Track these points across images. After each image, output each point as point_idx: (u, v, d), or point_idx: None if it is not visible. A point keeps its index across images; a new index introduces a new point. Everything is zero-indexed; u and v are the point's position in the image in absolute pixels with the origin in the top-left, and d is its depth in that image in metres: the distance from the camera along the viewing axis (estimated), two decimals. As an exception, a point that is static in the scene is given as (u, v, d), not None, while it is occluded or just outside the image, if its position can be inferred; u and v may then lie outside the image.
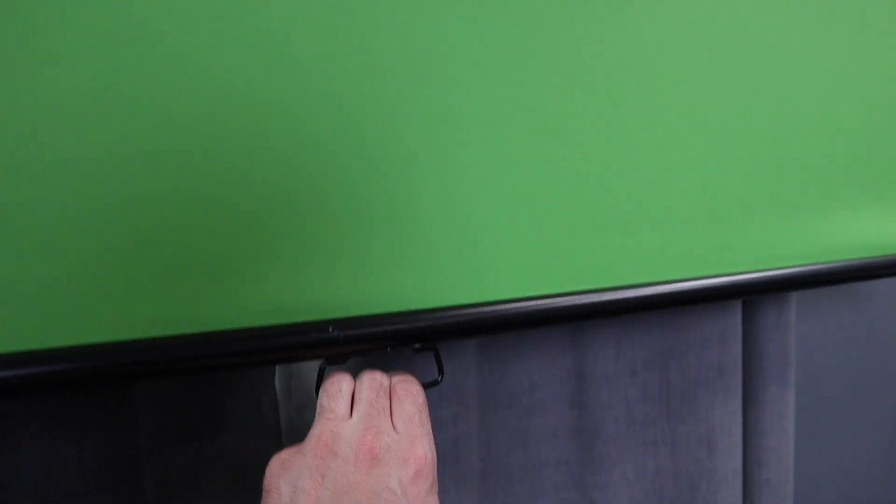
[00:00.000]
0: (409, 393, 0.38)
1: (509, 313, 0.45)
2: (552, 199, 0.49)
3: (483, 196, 0.46)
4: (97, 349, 0.36)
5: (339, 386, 0.38)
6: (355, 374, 0.39)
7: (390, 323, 0.42)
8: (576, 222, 0.49)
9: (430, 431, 0.37)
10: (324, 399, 0.37)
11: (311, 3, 0.40)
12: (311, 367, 0.48)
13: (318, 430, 0.35)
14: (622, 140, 0.51)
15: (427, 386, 0.41)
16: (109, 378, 0.36)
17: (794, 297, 0.68)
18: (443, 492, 0.51)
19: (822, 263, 0.59)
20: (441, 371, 0.43)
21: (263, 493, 0.33)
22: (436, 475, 0.36)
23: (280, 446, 0.46)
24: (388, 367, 0.41)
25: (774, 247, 0.58)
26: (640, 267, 0.52)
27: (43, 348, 0.35)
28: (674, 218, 0.53)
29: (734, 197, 0.56)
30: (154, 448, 0.44)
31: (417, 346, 0.42)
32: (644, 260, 0.52)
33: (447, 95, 0.44)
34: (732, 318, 0.64)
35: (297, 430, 0.51)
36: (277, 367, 0.49)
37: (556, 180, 0.49)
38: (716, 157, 0.55)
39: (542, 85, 0.48)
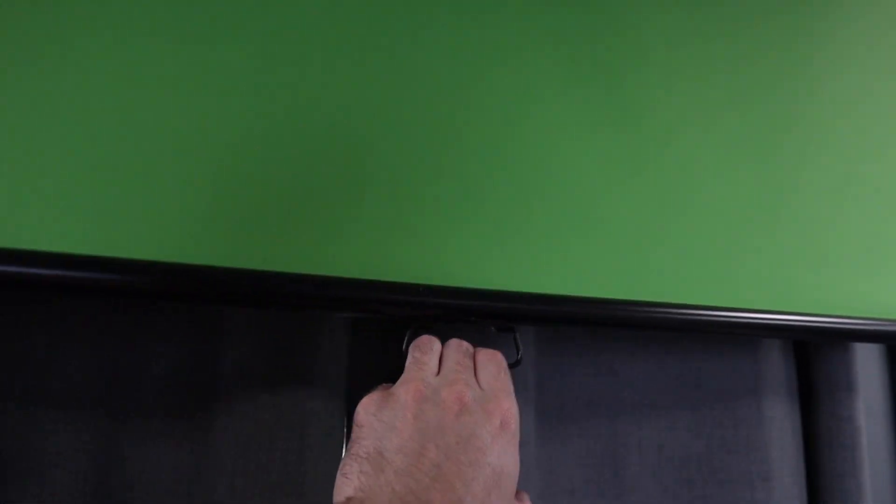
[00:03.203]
0: (492, 357, 0.40)
1: (592, 311, 0.47)
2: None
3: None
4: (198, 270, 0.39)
5: (430, 344, 0.40)
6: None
7: (476, 297, 0.44)
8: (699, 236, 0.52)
9: (513, 391, 0.39)
10: (416, 352, 0.40)
11: None
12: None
13: (411, 377, 0.38)
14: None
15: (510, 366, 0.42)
16: (209, 299, 0.40)
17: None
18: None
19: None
20: (519, 353, 0.44)
21: (355, 426, 0.36)
22: (518, 429, 0.37)
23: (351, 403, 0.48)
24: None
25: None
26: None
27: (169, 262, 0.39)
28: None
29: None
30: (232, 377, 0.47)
31: (500, 325, 0.44)
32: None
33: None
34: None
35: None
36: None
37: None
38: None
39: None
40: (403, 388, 0.36)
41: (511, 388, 0.39)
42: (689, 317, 0.50)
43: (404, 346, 0.42)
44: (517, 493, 0.38)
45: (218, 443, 0.43)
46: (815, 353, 0.64)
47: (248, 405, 0.44)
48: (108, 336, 0.43)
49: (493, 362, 0.40)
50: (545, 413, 0.55)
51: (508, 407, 0.37)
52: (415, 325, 0.43)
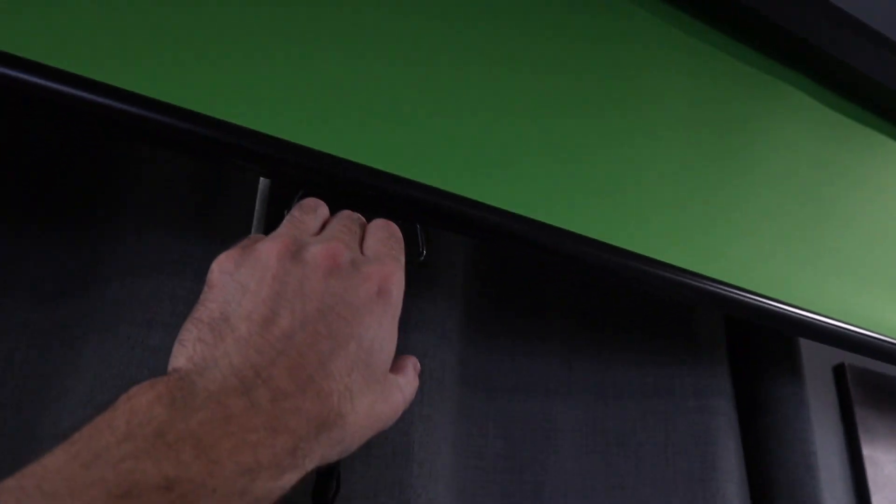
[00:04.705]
0: (385, 225, 0.35)
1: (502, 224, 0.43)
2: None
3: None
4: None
5: (315, 206, 0.35)
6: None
7: (386, 179, 0.39)
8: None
9: (402, 261, 0.34)
10: (296, 211, 0.35)
11: None
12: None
13: (281, 233, 0.32)
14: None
15: (409, 260, 0.36)
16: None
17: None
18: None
19: None
20: (422, 246, 0.40)
21: (206, 287, 0.30)
22: (400, 301, 0.32)
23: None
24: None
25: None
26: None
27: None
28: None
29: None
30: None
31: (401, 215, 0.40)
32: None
33: None
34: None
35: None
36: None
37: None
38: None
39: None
40: (269, 244, 0.30)
41: (401, 257, 0.34)
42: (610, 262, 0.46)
43: (287, 211, 0.37)
44: (396, 362, 0.33)
45: (108, 341, 0.38)
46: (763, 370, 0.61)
47: (142, 293, 0.39)
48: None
49: (384, 229, 0.35)
50: (467, 388, 0.51)
51: (391, 272, 0.31)
52: (306, 190, 0.38)
